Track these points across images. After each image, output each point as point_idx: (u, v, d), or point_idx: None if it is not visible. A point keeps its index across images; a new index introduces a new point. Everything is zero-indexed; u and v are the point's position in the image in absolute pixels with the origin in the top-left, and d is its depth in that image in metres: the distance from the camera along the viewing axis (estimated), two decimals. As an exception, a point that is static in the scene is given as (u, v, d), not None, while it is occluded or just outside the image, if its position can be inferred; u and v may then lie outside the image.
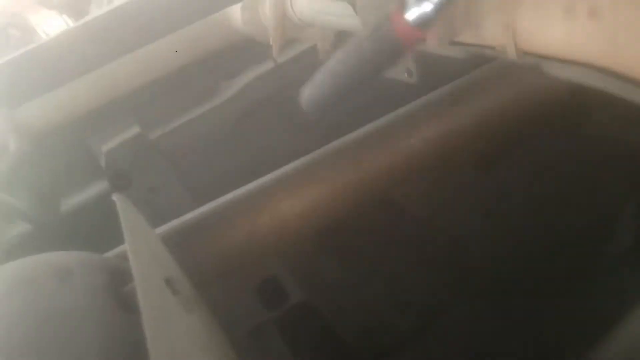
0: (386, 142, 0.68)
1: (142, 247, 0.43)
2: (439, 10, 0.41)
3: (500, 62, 0.47)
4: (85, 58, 1.03)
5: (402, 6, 0.43)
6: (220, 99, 1.24)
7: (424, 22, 0.42)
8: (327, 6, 0.64)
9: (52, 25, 1.96)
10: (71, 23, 2.01)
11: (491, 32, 0.44)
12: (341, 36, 0.81)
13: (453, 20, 0.46)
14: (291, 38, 0.86)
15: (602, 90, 0.39)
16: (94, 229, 0.81)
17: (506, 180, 0.95)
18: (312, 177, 0.71)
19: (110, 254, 0.68)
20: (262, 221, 0.73)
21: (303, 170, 0.73)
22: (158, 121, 1.22)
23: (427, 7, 0.41)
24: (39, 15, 2.05)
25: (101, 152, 1.12)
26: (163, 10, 1.09)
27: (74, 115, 0.96)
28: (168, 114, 1.24)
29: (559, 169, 0.90)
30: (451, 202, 0.97)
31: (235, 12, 1.00)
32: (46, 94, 0.99)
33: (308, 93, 0.50)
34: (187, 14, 1.12)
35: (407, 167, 0.73)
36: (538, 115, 0.62)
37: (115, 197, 0.48)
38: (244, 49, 1.15)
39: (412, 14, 0.42)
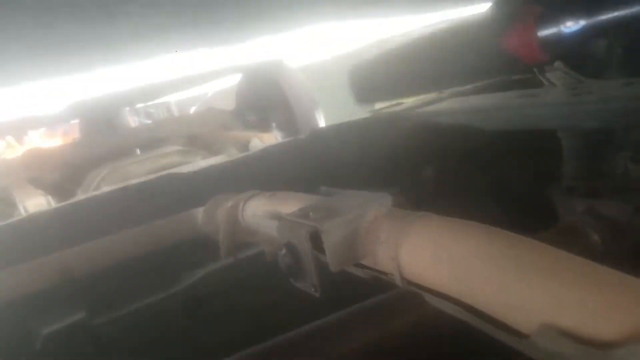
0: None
1: None
2: None
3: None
4: (44, 242, 1.09)
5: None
6: (173, 289, 1.27)
7: None
8: (264, 221, 0.73)
9: (33, 204, 2.07)
10: (54, 205, 2.11)
11: (383, 261, 0.52)
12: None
13: (354, 245, 0.54)
14: (243, 241, 0.94)
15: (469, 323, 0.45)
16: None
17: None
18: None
19: None
20: None
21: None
22: (107, 307, 1.23)
23: None
24: (23, 193, 2.17)
25: (40, 335, 1.11)
26: (131, 205, 1.19)
27: (18, 294, 0.99)
28: (119, 300, 1.25)
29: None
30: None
31: (197, 213, 1.10)
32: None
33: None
34: (157, 211, 1.22)
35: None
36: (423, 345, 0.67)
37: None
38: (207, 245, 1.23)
39: None
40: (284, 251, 0.54)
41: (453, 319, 0.46)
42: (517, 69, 1.73)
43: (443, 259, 0.44)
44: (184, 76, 2.82)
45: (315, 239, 0.52)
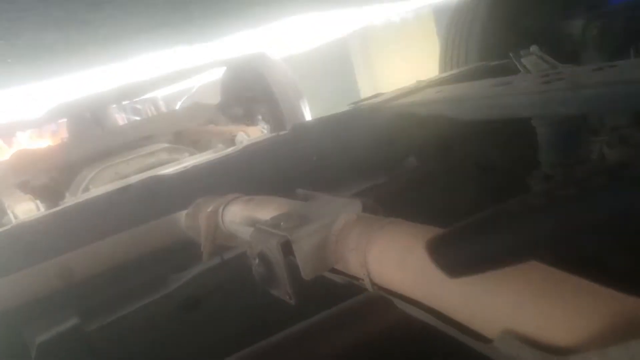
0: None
1: None
2: None
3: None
4: (33, 250, 1.10)
5: None
6: (163, 292, 1.29)
7: None
8: (241, 228, 0.74)
9: (23, 209, 2.07)
10: (42, 209, 2.12)
11: (354, 267, 0.53)
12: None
13: (328, 253, 0.56)
14: (225, 245, 0.95)
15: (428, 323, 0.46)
16: None
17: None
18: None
19: None
20: None
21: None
22: (99, 312, 1.25)
23: None
24: (12, 198, 2.17)
25: (34, 344, 1.12)
26: (115, 210, 1.20)
27: (11, 304, 1.00)
28: (110, 305, 1.27)
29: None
30: None
31: (182, 217, 1.11)
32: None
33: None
34: (143, 215, 1.23)
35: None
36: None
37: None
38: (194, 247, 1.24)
39: None
40: (257, 261, 0.55)
41: (424, 324, 0.48)
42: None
43: (408, 264, 0.46)
44: (168, 72, 2.81)
45: (288, 248, 0.54)
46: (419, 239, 0.47)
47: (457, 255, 0.38)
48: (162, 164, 2.22)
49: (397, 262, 0.47)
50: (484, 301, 0.39)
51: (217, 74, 3.25)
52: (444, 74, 1.71)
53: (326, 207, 0.58)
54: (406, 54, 3.99)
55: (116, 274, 1.21)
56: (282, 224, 0.56)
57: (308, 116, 2.75)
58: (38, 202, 2.17)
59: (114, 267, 1.18)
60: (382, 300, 0.51)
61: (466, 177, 1.41)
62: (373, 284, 0.51)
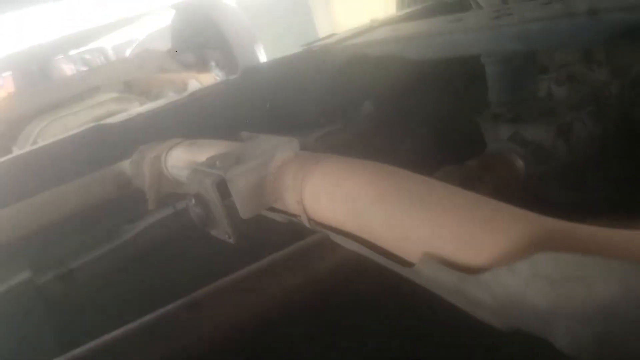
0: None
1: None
2: None
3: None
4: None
5: None
6: (116, 242, 1.26)
7: None
8: (183, 171, 0.72)
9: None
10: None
11: (291, 204, 0.52)
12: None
13: (265, 191, 0.54)
14: (169, 192, 0.93)
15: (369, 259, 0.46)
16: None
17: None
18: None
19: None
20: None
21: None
22: (51, 265, 1.22)
23: None
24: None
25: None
26: (61, 160, 1.15)
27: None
28: (62, 258, 1.24)
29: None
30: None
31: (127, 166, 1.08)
32: None
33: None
34: (88, 165, 1.18)
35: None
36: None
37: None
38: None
39: None
40: (193, 202, 0.54)
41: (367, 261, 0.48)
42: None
43: (338, 197, 0.45)
44: (114, 18, 2.67)
45: (223, 187, 0.52)
46: (348, 172, 0.47)
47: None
48: (111, 114, 2.13)
49: (329, 195, 0.47)
50: (406, 226, 0.40)
51: (167, 20, 3.11)
52: (400, 13, 1.68)
53: (263, 147, 0.56)
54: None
55: (66, 227, 1.18)
56: (217, 163, 0.54)
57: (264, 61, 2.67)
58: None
59: (63, 219, 1.15)
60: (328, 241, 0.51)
61: (421, 123, 1.42)
62: (309, 219, 0.51)
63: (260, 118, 1.35)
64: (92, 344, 0.76)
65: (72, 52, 4.02)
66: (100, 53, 4.28)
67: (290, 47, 1.56)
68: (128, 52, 4.23)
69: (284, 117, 1.39)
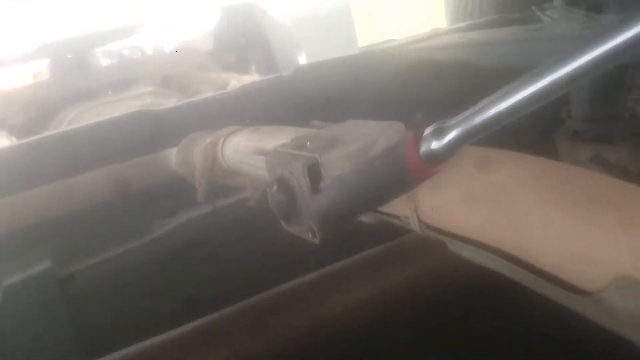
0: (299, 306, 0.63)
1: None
2: (450, 149, 0.37)
3: (414, 235, 0.44)
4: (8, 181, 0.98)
5: (418, 135, 0.40)
6: (145, 239, 1.18)
7: (434, 160, 0.38)
8: (248, 157, 0.63)
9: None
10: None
11: (397, 203, 0.43)
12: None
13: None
14: (222, 183, 0.84)
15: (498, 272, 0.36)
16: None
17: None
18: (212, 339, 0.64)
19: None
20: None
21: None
22: (73, 257, 1.14)
23: (438, 145, 0.37)
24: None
25: (1, 286, 1.01)
26: (98, 143, 1.08)
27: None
28: (87, 249, 1.16)
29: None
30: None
31: (172, 154, 0.99)
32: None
33: (317, 204, 0.43)
34: (127, 151, 1.11)
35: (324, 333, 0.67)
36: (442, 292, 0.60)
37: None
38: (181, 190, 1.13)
39: (424, 149, 0.39)
40: (274, 188, 0.44)
41: (475, 268, 0.38)
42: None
43: (478, 195, 0.35)
44: (159, 17, 2.66)
45: (316, 172, 0.43)
46: (491, 162, 0.37)
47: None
48: (147, 107, 2.08)
49: (461, 192, 0.37)
50: (583, 236, 0.30)
51: (210, 24, 3.08)
52: (461, 24, 1.59)
53: (360, 130, 0.47)
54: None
55: (94, 215, 1.09)
56: (307, 144, 0.45)
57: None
58: (14, 139, 2.03)
59: (91, 207, 1.07)
60: (431, 243, 0.41)
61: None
62: (421, 222, 0.41)
63: (312, 115, 1.26)
64: (147, 343, 0.67)
65: (111, 47, 4.01)
66: (138, 50, 4.27)
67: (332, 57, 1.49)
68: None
69: (336, 116, 1.31)
